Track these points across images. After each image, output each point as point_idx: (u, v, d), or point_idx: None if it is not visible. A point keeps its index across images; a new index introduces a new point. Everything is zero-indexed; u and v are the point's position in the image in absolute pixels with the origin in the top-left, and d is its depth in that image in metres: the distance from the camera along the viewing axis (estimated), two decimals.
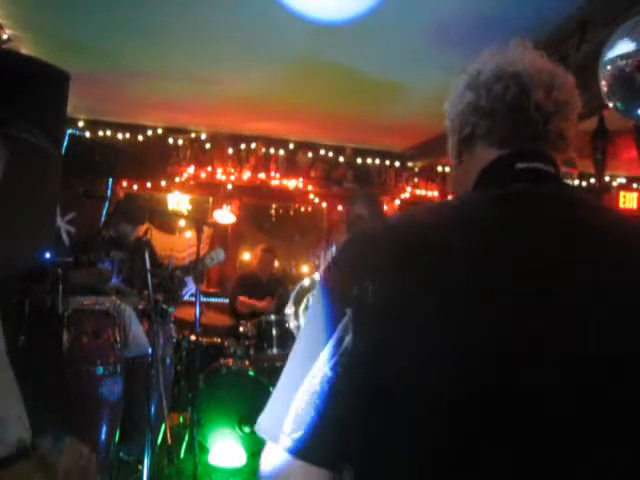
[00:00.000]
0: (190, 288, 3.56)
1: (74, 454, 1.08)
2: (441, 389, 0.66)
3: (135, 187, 5.58)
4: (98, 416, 2.30)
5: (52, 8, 3.17)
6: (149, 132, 5.51)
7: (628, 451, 0.68)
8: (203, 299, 4.05)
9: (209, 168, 5.66)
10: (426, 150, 5.73)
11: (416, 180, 6.27)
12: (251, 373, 3.62)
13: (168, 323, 3.21)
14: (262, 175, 5.81)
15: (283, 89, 4.26)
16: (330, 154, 6.00)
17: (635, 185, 6.52)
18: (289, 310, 1.79)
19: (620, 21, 2.17)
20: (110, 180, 4.81)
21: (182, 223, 5.63)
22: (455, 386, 0.66)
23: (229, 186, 5.73)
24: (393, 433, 0.68)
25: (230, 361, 3.73)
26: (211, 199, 5.79)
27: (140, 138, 5.49)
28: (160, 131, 5.54)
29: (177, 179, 5.59)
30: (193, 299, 3.27)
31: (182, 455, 3.30)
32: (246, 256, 6.04)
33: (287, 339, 3.95)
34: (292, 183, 5.90)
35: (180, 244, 5.54)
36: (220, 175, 5.68)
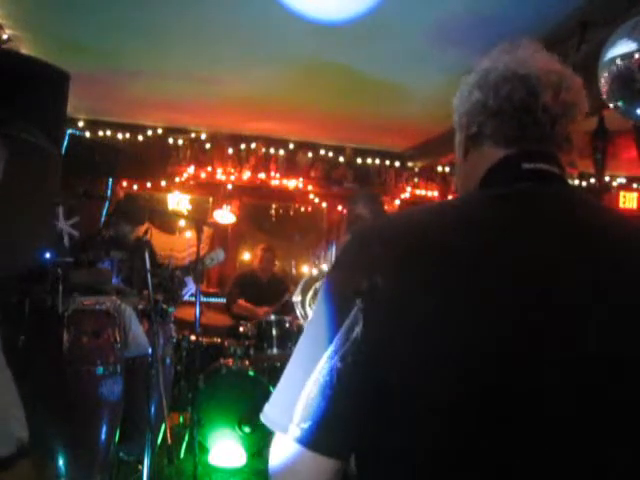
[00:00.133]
0: (190, 288, 3.56)
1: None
2: (441, 389, 0.66)
3: (135, 187, 5.58)
4: (98, 416, 2.29)
5: (52, 8, 3.17)
6: (149, 132, 5.51)
7: (628, 451, 0.68)
8: (203, 299, 4.05)
9: (209, 168, 5.66)
10: (426, 150, 5.73)
11: (416, 180, 6.27)
12: (251, 373, 3.62)
13: (168, 323, 3.21)
14: (262, 175, 5.81)
15: (283, 89, 4.26)
16: (330, 154, 6.00)
17: (635, 185, 6.52)
18: (296, 298, 1.80)
19: (620, 21, 2.18)
20: (110, 180, 4.81)
21: (182, 223, 5.63)
22: (455, 386, 0.66)
23: (229, 186, 5.73)
24: (393, 432, 0.69)
25: (230, 361, 3.73)
26: (211, 199, 5.79)
27: (140, 138, 5.49)
28: (160, 131, 5.54)
29: (177, 179, 5.59)
30: (193, 299, 3.27)
31: (182, 455, 3.30)
32: (246, 256, 6.04)
33: (287, 339, 3.95)
34: (292, 183, 5.90)
35: (180, 244, 5.54)
36: (220, 175, 5.68)
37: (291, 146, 5.86)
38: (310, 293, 1.78)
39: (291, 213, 6.51)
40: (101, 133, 5.39)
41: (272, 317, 4.04)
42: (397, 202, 6.20)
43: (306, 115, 4.98)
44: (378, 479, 0.71)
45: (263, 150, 5.79)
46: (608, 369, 0.67)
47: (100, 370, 2.30)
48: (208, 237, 5.42)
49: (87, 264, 2.78)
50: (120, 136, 5.45)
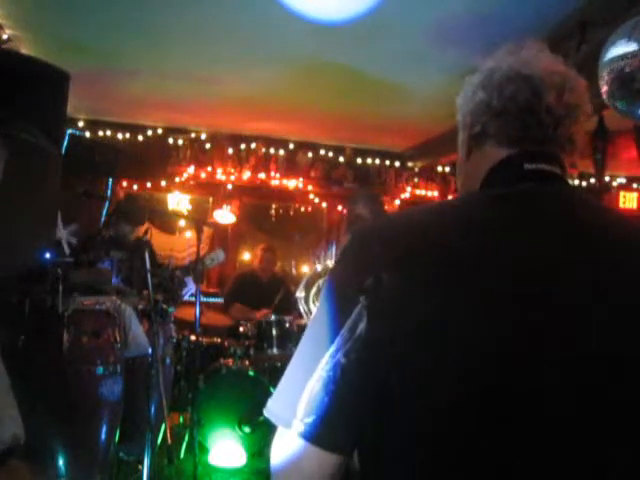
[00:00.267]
0: (190, 288, 3.56)
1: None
2: (441, 389, 0.66)
3: (135, 187, 5.58)
4: (98, 416, 2.29)
5: (52, 8, 3.17)
6: (149, 132, 5.51)
7: (628, 451, 0.68)
8: (203, 299, 4.04)
9: (209, 168, 5.66)
10: (426, 150, 5.73)
11: (416, 180, 6.27)
12: (251, 373, 3.62)
13: (168, 323, 3.21)
14: (262, 175, 5.81)
15: (283, 89, 4.26)
16: (330, 154, 6.00)
17: (635, 185, 6.52)
18: (300, 294, 1.81)
19: (620, 21, 2.17)
20: (110, 180, 4.81)
21: (182, 223, 5.63)
22: (455, 386, 0.66)
23: (229, 186, 5.73)
24: (393, 432, 0.69)
25: (230, 361, 3.73)
26: (211, 199, 5.79)
27: (140, 138, 5.48)
28: (160, 131, 5.54)
29: (177, 179, 5.59)
30: (193, 299, 3.28)
31: (182, 455, 3.30)
32: (246, 256, 6.04)
33: (287, 339, 3.95)
34: (292, 183, 5.90)
35: (180, 244, 5.54)
36: (220, 175, 5.68)
37: (291, 146, 5.86)
38: (314, 289, 1.78)
39: (291, 213, 6.51)
40: (101, 133, 5.39)
41: (272, 317, 4.03)
42: (397, 202, 6.20)
43: (306, 115, 4.98)
44: (379, 478, 0.72)
45: (263, 150, 5.79)
46: (608, 369, 0.67)
47: (100, 370, 2.29)
48: (208, 237, 5.42)
49: (87, 264, 2.77)
50: (120, 136, 5.45)
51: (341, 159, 6.03)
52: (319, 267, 2.08)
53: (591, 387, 0.67)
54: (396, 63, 3.62)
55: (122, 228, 3.58)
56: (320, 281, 1.76)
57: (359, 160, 6.09)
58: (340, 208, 5.96)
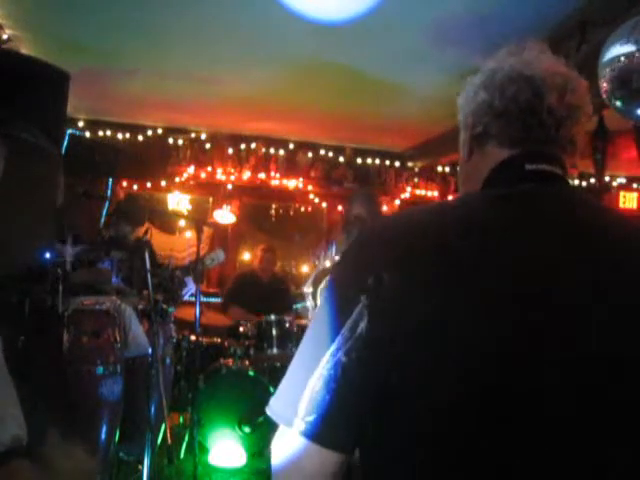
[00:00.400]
0: (190, 288, 3.56)
1: (74, 457, 1.07)
2: (441, 389, 0.66)
3: (135, 187, 5.58)
4: (98, 416, 2.29)
5: (52, 8, 3.17)
6: (149, 132, 5.51)
7: (628, 451, 0.68)
8: (203, 299, 4.04)
9: (209, 168, 5.66)
10: (426, 150, 5.73)
11: (416, 180, 6.27)
12: (251, 373, 3.62)
13: (168, 323, 3.21)
14: (262, 175, 5.81)
15: (283, 89, 4.26)
16: (330, 154, 6.00)
17: (635, 185, 6.52)
18: (307, 289, 1.83)
19: (620, 21, 2.18)
20: (110, 180, 4.81)
21: (182, 223, 5.63)
22: (455, 386, 0.66)
23: (229, 186, 5.73)
24: (394, 431, 0.69)
25: (230, 361, 3.73)
26: (211, 199, 5.79)
27: (140, 138, 5.49)
28: (160, 131, 5.54)
29: (177, 179, 5.59)
30: (193, 299, 3.27)
31: (182, 455, 3.30)
32: (246, 256, 6.04)
33: (287, 339, 3.95)
34: (292, 183, 5.90)
35: (180, 244, 5.54)
36: (220, 175, 5.68)
37: (291, 146, 5.86)
38: (322, 285, 1.79)
39: (291, 213, 6.51)
40: (101, 133, 5.39)
41: (272, 317, 4.03)
42: (397, 202, 6.20)
43: (306, 115, 4.98)
44: (380, 477, 0.72)
45: (263, 150, 5.79)
46: (608, 369, 0.67)
47: (100, 370, 2.30)
48: (208, 237, 5.41)
49: (87, 264, 2.78)
50: (120, 136, 5.45)
51: (341, 159, 6.03)
52: (327, 263, 2.10)
53: (591, 387, 0.67)
54: (396, 63, 3.62)
55: (122, 228, 3.58)
56: (328, 277, 1.78)
57: (359, 160, 6.09)
58: (340, 208, 5.95)
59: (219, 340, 4.09)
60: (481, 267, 0.69)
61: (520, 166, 0.79)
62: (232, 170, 5.71)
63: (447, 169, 6.24)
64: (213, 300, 5.31)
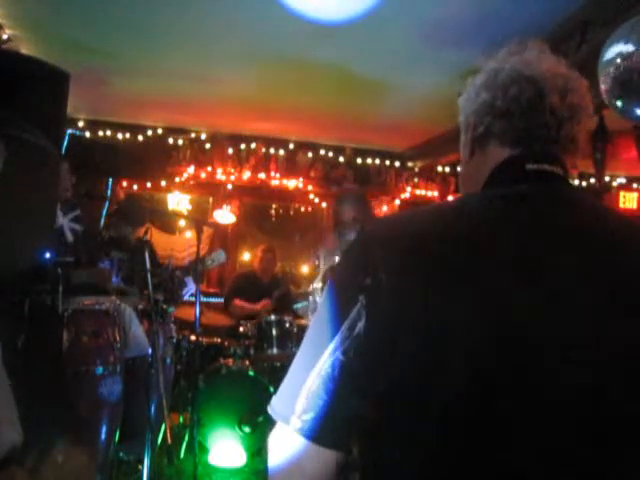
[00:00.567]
0: (190, 288, 3.56)
1: (71, 459, 1.07)
2: (440, 389, 0.66)
3: (135, 187, 5.58)
4: (98, 416, 2.29)
5: (52, 8, 3.17)
6: (149, 132, 5.51)
7: (633, 451, 0.68)
8: (203, 299, 4.05)
9: (209, 168, 5.66)
10: (426, 150, 5.73)
11: (416, 180, 6.27)
12: (251, 373, 3.62)
13: (168, 323, 3.21)
14: (262, 175, 5.81)
15: (283, 89, 4.27)
16: (330, 154, 6.00)
17: (635, 185, 6.52)
18: (317, 285, 1.85)
19: (620, 21, 2.18)
20: (110, 180, 4.81)
21: (182, 223, 5.63)
22: (455, 386, 0.66)
23: (229, 186, 5.73)
24: (393, 431, 0.69)
25: (230, 361, 3.73)
26: (211, 199, 5.79)
27: (140, 138, 5.49)
28: (160, 131, 5.55)
29: (177, 179, 5.59)
30: (193, 299, 3.27)
31: (182, 455, 3.30)
32: (246, 256, 6.04)
33: (287, 339, 3.95)
34: (292, 183, 5.90)
35: (180, 244, 5.54)
36: (220, 175, 5.68)
37: (291, 146, 5.86)
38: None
39: (291, 213, 6.51)
40: (101, 133, 5.39)
41: (272, 317, 4.03)
42: (397, 202, 6.20)
43: (306, 115, 4.98)
44: (380, 477, 0.72)
45: (263, 150, 5.79)
46: (611, 371, 0.67)
47: (100, 370, 2.29)
48: (208, 237, 5.42)
49: (88, 264, 2.77)
50: (120, 136, 5.45)
51: (341, 159, 6.04)
52: (337, 259, 2.12)
53: (592, 387, 0.67)
54: (396, 63, 3.62)
55: (123, 229, 3.58)
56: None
57: (359, 160, 6.09)
58: None
59: (219, 340, 4.09)
60: (481, 267, 0.69)
61: (521, 166, 0.79)
62: (232, 170, 5.71)
63: (447, 169, 6.24)
64: (213, 300, 5.31)
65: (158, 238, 4.67)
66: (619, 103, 2.16)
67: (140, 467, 2.68)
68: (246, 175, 5.76)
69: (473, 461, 0.66)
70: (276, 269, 5.11)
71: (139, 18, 3.20)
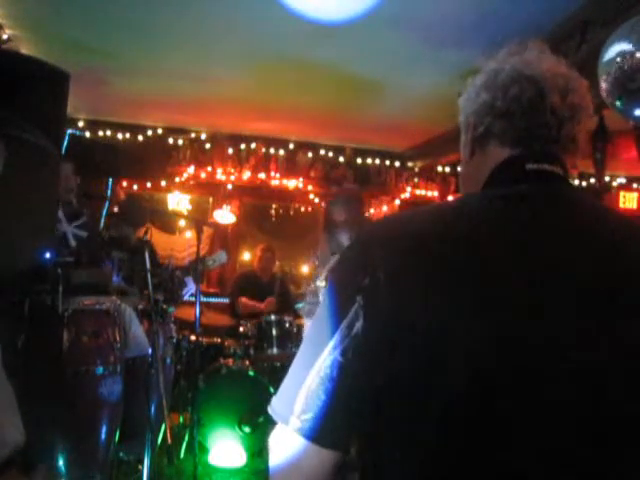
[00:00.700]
0: (190, 288, 3.56)
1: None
2: (440, 389, 0.66)
3: (135, 187, 5.58)
4: (98, 416, 2.29)
5: (52, 8, 3.17)
6: (149, 132, 5.51)
7: (635, 451, 0.68)
8: (203, 299, 4.04)
9: (209, 168, 5.66)
10: (426, 150, 5.73)
11: (416, 180, 6.27)
12: (251, 373, 3.62)
13: (168, 323, 3.21)
14: (262, 175, 5.81)
15: (283, 89, 4.27)
16: (330, 154, 6.00)
17: (635, 185, 6.52)
18: (320, 283, 1.85)
19: (620, 21, 2.18)
20: (110, 180, 4.81)
21: (182, 223, 5.63)
22: (454, 386, 0.66)
23: (229, 186, 5.73)
24: (392, 431, 0.69)
25: (230, 361, 3.73)
26: (211, 199, 5.79)
27: (140, 138, 5.49)
28: (160, 131, 5.55)
29: (177, 179, 5.59)
30: (193, 299, 3.27)
31: (182, 455, 3.30)
32: (246, 256, 6.04)
33: (287, 339, 3.95)
34: (292, 183, 5.90)
35: (180, 244, 5.54)
36: (220, 175, 5.68)
37: (291, 146, 5.86)
38: None
39: (291, 213, 6.51)
40: (101, 133, 5.39)
41: (272, 317, 4.03)
42: (397, 202, 6.20)
43: (306, 115, 4.98)
44: (379, 477, 0.72)
45: (263, 150, 5.79)
46: (610, 371, 0.67)
47: (100, 370, 2.29)
48: (208, 237, 5.42)
49: (88, 264, 2.77)
50: (120, 136, 5.45)
51: (341, 159, 6.04)
52: (333, 259, 2.12)
53: (592, 387, 0.67)
54: (396, 63, 3.62)
55: (123, 229, 3.58)
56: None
57: (359, 160, 6.09)
58: None
59: (219, 340, 4.09)
60: (481, 267, 0.69)
61: (521, 166, 0.79)
62: (232, 170, 5.71)
63: (447, 169, 6.24)
64: (213, 300, 5.31)
65: (158, 238, 4.67)
66: (619, 103, 2.15)
67: (140, 467, 2.68)
68: (246, 175, 5.76)
69: (473, 461, 0.66)
70: (275, 268, 5.12)
71: (139, 18, 3.20)
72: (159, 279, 3.10)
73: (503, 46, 0.85)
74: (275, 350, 3.94)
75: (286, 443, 0.71)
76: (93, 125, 5.35)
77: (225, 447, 3.46)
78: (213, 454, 3.45)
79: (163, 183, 5.57)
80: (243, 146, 5.74)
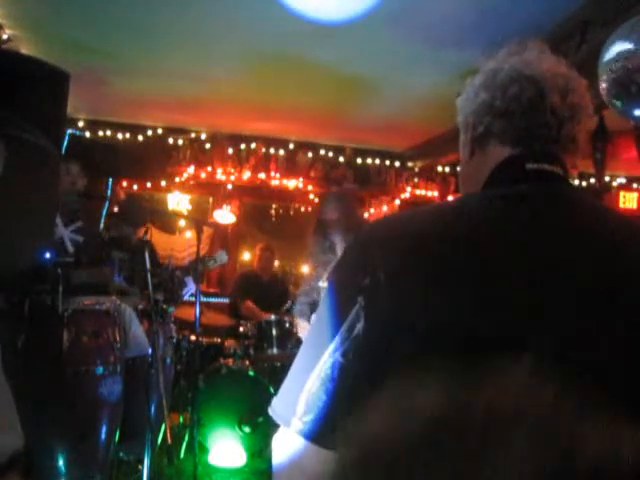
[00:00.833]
0: (190, 288, 3.56)
1: None
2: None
3: (135, 187, 5.58)
4: (98, 416, 2.29)
5: (52, 8, 3.17)
6: (149, 132, 5.52)
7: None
8: (203, 299, 4.04)
9: (209, 168, 5.66)
10: (426, 150, 5.73)
11: (416, 180, 6.28)
12: (251, 373, 3.62)
13: (168, 323, 3.21)
14: (262, 175, 5.81)
15: (283, 89, 4.27)
16: (330, 154, 6.00)
17: (635, 185, 6.52)
18: (323, 284, 1.85)
19: (620, 21, 2.18)
20: (110, 180, 4.81)
21: (182, 223, 5.63)
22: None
23: (229, 186, 5.73)
24: None
25: (230, 361, 3.73)
26: (211, 199, 5.79)
27: (140, 138, 5.49)
28: (160, 131, 5.55)
29: (177, 179, 5.59)
30: (193, 299, 3.27)
31: (182, 455, 3.29)
32: (246, 256, 6.04)
33: (287, 339, 3.95)
34: (292, 183, 5.90)
35: (180, 244, 5.54)
36: (220, 175, 5.68)
37: (291, 146, 5.86)
38: None
39: (291, 213, 6.51)
40: (101, 133, 5.39)
41: (272, 317, 4.04)
42: (397, 202, 6.20)
43: (306, 115, 4.98)
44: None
45: (263, 150, 5.79)
46: (610, 371, 0.67)
47: (100, 370, 2.29)
48: (208, 237, 5.42)
49: (88, 264, 2.77)
50: (120, 136, 5.45)
51: (341, 159, 6.04)
52: (325, 259, 2.12)
53: (592, 388, 0.67)
54: (396, 63, 3.62)
55: (124, 229, 3.58)
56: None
57: (359, 160, 6.09)
58: None
59: (219, 340, 4.09)
60: (481, 267, 0.69)
61: (521, 166, 0.79)
62: (232, 170, 5.71)
63: (447, 169, 6.24)
64: (213, 300, 5.31)
65: (158, 238, 4.66)
66: (619, 103, 2.15)
67: (140, 467, 2.68)
68: (246, 175, 5.76)
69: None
70: (275, 268, 5.12)
71: (139, 18, 3.20)
72: (159, 279, 3.10)
73: (503, 46, 0.85)
74: (275, 350, 3.94)
75: (288, 445, 0.70)
76: (93, 125, 5.35)
77: (225, 447, 3.46)
78: (213, 454, 3.45)
79: (163, 183, 5.58)
80: (243, 146, 5.74)
